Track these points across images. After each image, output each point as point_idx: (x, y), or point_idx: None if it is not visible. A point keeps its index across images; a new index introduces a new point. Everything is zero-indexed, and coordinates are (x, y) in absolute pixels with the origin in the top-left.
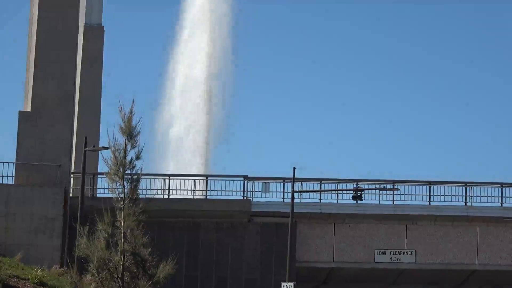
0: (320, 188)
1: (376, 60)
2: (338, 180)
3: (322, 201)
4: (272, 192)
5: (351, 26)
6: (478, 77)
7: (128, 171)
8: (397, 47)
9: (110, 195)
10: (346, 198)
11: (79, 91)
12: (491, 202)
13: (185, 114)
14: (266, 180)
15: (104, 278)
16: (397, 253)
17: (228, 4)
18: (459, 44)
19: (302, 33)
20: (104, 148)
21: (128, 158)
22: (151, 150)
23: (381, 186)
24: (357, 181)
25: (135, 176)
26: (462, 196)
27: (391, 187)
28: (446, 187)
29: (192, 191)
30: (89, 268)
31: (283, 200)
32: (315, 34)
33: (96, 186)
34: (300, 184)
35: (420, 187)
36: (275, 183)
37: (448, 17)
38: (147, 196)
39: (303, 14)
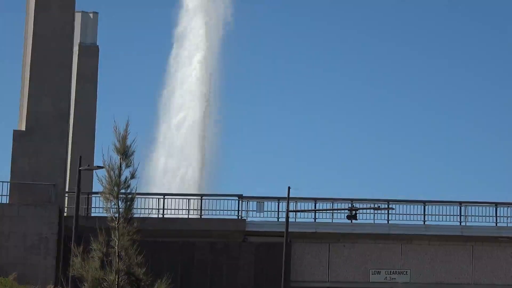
0: (315, 207)
1: (370, 80)
2: (332, 200)
3: (316, 220)
4: (267, 211)
5: (345, 46)
6: (473, 99)
7: (122, 190)
8: (392, 67)
9: (104, 215)
10: (341, 218)
11: (74, 110)
12: (485, 222)
13: (179, 136)
14: (260, 199)
15: None
16: (392, 273)
17: (223, 34)
18: (458, 66)
19: (295, 52)
20: (99, 167)
21: (123, 177)
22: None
23: (376, 205)
24: (352, 200)
25: (130, 196)
26: (457, 215)
27: (386, 206)
28: (440, 206)
29: (187, 211)
30: None
31: (278, 220)
32: (307, 55)
33: (91, 205)
34: (294, 203)
35: (415, 206)
36: (269, 203)
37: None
38: (141, 215)
39: (297, 33)
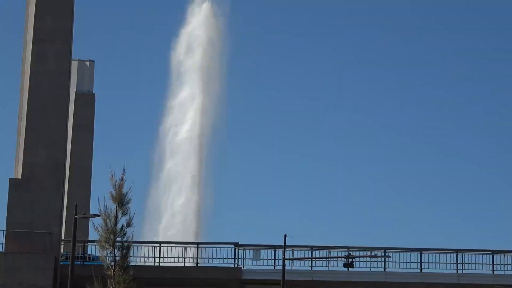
0: (311, 255)
1: (364, 128)
2: (329, 248)
3: (313, 268)
4: (263, 259)
5: (342, 87)
6: (467, 147)
7: (118, 239)
8: (383, 109)
9: (100, 263)
10: (338, 266)
11: (70, 157)
12: (482, 270)
13: (176, 183)
14: (257, 247)
15: None
16: None
17: (217, 78)
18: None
19: (288, 96)
20: (95, 215)
21: (119, 226)
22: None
23: (373, 253)
24: (348, 248)
25: (126, 244)
26: (454, 263)
27: (383, 254)
28: (437, 254)
29: (183, 259)
30: None
31: (274, 268)
32: (299, 97)
33: (87, 253)
34: (291, 251)
35: (412, 254)
36: (266, 251)
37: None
38: (137, 263)
39: (291, 72)
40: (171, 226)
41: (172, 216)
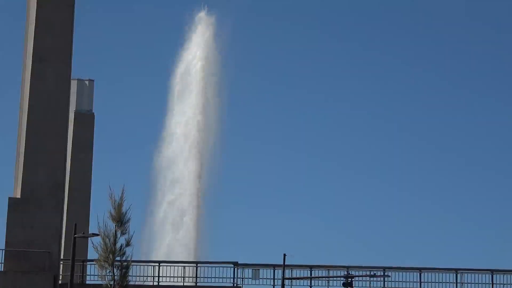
0: (311, 275)
1: (360, 145)
2: (328, 267)
3: (312, 287)
4: (262, 279)
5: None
6: (464, 166)
7: (118, 258)
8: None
9: (99, 282)
10: (337, 285)
11: (69, 177)
12: None
13: (175, 203)
14: (256, 267)
15: None
16: None
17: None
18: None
19: (287, 114)
20: (94, 234)
21: (118, 245)
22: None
23: (372, 272)
24: (348, 267)
25: (125, 263)
26: (453, 283)
27: (382, 273)
28: (436, 274)
29: (182, 278)
30: None
31: (274, 287)
32: (299, 114)
33: (86, 273)
34: (290, 271)
35: (411, 273)
36: (265, 270)
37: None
38: (137, 283)
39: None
40: (170, 234)
41: (169, 217)
